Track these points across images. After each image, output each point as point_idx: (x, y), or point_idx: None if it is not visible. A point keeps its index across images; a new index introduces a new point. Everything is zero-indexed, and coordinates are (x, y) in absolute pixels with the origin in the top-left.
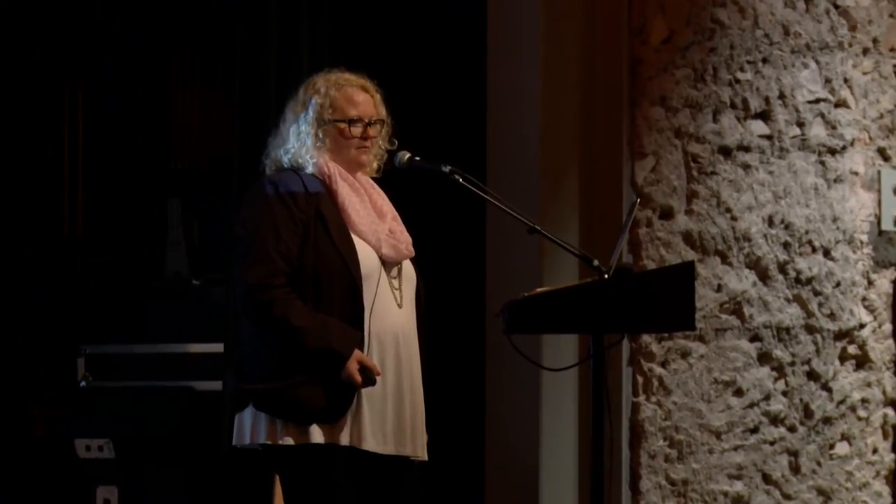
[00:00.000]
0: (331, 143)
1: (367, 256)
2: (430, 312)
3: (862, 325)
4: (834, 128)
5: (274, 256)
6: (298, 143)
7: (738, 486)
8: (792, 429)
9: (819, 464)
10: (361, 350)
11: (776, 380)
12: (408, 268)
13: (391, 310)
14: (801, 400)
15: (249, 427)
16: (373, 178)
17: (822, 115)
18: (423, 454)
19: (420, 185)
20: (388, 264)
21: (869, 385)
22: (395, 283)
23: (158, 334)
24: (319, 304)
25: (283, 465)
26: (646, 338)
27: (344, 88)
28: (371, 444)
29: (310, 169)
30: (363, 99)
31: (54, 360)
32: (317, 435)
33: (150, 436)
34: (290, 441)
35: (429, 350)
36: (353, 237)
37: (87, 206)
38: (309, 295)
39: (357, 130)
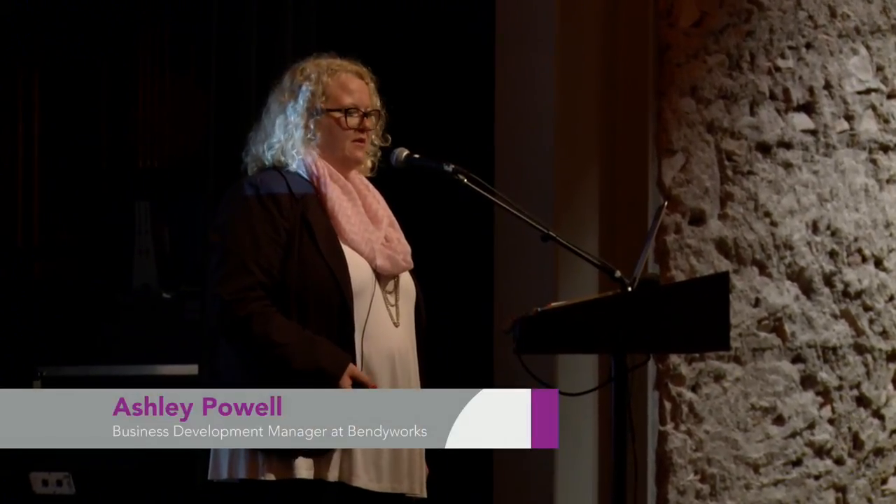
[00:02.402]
0: (323, 136)
1: (358, 269)
2: (430, 331)
3: None
4: (887, 122)
5: (252, 267)
6: (285, 136)
7: None
8: (839, 461)
9: (870, 501)
10: None
11: (821, 406)
12: (406, 281)
13: (386, 329)
14: (849, 429)
15: (227, 460)
16: (367, 178)
17: (874, 108)
18: (421, 491)
19: (419, 186)
20: (383, 277)
21: None
22: (391, 298)
23: (124, 354)
24: (304, 324)
25: (265, 503)
26: (674, 359)
27: (337, 74)
28: (363, 480)
29: (294, 166)
30: (358, 86)
31: (7, 383)
32: (303, 469)
33: (115, 469)
34: (272, 476)
35: (429, 373)
36: (344, 247)
37: (43, 210)
38: (292, 312)
39: (353, 121)
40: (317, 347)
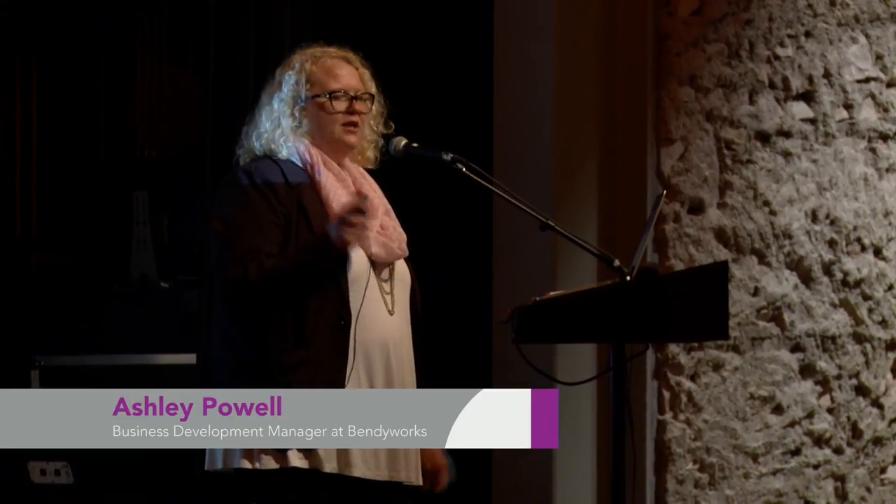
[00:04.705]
0: (310, 123)
1: (353, 256)
2: (426, 319)
3: None
4: (886, 110)
5: (260, 247)
6: (272, 126)
7: None
8: (838, 451)
9: (869, 490)
10: (346, 364)
11: (820, 395)
12: (401, 269)
13: (381, 317)
14: (848, 418)
15: (222, 450)
16: (367, 169)
17: (873, 96)
18: (417, 479)
19: (418, 175)
20: (378, 265)
21: None
22: (386, 286)
23: (122, 344)
24: (299, 310)
25: (261, 492)
26: (673, 348)
27: (322, 60)
28: (360, 469)
29: (286, 154)
30: (346, 71)
31: (5, 373)
32: (299, 458)
33: (113, 458)
34: (268, 465)
35: (425, 362)
36: None
37: (41, 200)
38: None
39: (340, 105)
40: (299, 245)
